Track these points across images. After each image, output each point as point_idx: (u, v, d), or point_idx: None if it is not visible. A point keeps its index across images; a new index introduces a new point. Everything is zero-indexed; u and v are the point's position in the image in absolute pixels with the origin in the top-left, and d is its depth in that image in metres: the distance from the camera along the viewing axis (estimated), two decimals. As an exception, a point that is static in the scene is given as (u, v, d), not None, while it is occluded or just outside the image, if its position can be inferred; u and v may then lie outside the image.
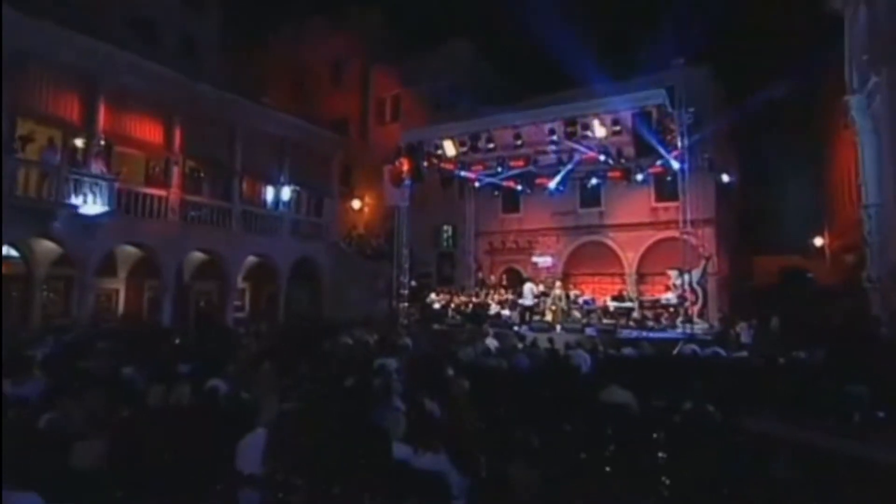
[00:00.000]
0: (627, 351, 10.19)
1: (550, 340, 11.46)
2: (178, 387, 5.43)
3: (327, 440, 4.43)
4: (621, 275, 18.87)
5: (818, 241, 20.47)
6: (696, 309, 13.08)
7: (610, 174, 17.70)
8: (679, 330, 13.05)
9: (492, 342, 11.54)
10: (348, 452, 4.02)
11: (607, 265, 19.29)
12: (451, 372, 7.63)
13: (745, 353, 9.53)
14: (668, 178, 16.91)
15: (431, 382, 7.14)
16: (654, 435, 5.45)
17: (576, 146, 14.02)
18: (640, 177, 17.10)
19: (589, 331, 14.34)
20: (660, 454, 4.89)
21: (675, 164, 16.08)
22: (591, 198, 19.33)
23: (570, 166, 16.81)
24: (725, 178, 17.10)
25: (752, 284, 19.68)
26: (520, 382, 7.70)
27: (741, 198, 20.01)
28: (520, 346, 10.49)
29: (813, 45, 16.29)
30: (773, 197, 23.38)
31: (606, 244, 19.31)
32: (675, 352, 9.90)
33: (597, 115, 13.26)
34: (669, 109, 12.53)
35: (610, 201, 19.07)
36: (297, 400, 5.65)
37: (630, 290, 17.30)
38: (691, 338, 11.05)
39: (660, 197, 18.18)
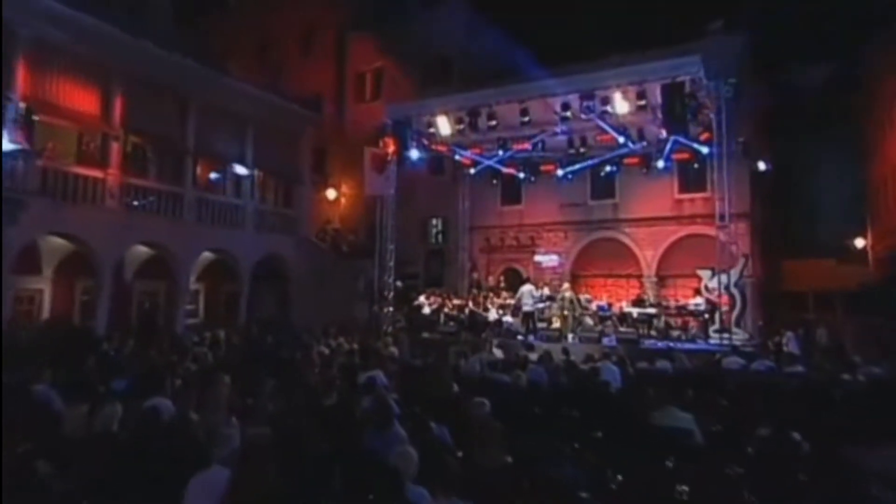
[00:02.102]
0: (661, 364, 9.60)
1: (565, 351, 10.82)
2: (105, 408, 4.59)
3: (311, 480, 3.65)
4: (638, 277, 18.36)
5: (859, 243, 20.16)
6: (732, 316, 12.53)
7: (627, 160, 17.23)
8: (713, 340, 12.51)
9: (498, 353, 10.93)
10: (344, 497, 3.25)
11: (622, 265, 18.77)
12: (455, 388, 6.95)
13: (799, 368, 8.95)
14: (695, 166, 16.53)
15: (435, 402, 6.45)
16: (728, 470, 4.76)
17: (600, 121, 13.36)
18: (661, 164, 16.66)
19: (606, 340, 13.82)
20: (746, 496, 4.19)
21: (704, 149, 15.67)
22: (604, 188, 18.81)
23: (594, 161, 16.34)
24: (762, 165, 16.67)
25: (786, 289, 19.30)
26: (540, 402, 7.01)
27: (773, 191, 19.62)
28: (533, 357, 9.79)
29: (863, 17, 15.94)
30: (804, 192, 23.12)
31: (621, 241, 18.79)
32: (718, 365, 9.27)
33: (619, 87, 12.72)
34: (705, 81, 11.97)
35: (626, 192, 18.56)
36: (264, 424, 4.86)
37: (649, 293, 16.75)
38: (734, 349, 10.45)
39: (684, 187, 17.74)
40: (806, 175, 22.88)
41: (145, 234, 15.15)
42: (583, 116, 13.28)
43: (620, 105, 12.89)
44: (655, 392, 7.83)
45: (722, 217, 12.69)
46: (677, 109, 11.93)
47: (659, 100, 12.96)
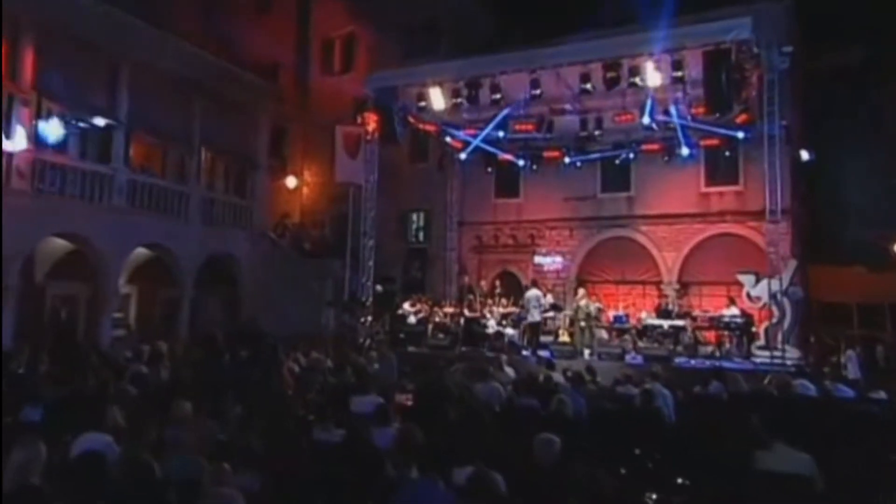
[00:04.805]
0: (714, 387, 9.04)
1: (591, 371, 10.14)
2: (20, 449, 3.60)
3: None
4: (657, 283, 17.91)
5: (900, 248, 20.09)
6: (781, 330, 12.06)
7: (645, 146, 16.81)
8: (761, 359, 12.07)
9: (510, 372, 10.24)
10: None
11: (637, 269, 18.31)
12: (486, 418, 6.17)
13: (882, 395, 8.44)
14: (726, 154, 16.19)
15: (461, 436, 5.66)
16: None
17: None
18: (685, 150, 16.26)
19: (629, 357, 13.28)
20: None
21: (740, 134, 15.31)
22: (617, 178, 18.39)
23: (609, 148, 16.23)
24: (805, 154, 16.40)
25: (819, 299, 19.10)
26: (589, 435, 6.27)
27: (808, 184, 19.46)
28: (558, 378, 9.10)
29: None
30: (832, 186, 23.10)
31: (637, 241, 18.35)
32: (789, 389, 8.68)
33: (651, 55, 12.15)
34: (755, 49, 11.50)
35: (643, 183, 18.14)
36: (249, 468, 3.98)
37: (672, 302, 16.28)
38: (800, 370, 9.94)
39: (712, 178, 17.41)
40: (834, 167, 22.83)
41: (62, 224, 14.23)
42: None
43: (652, 76, 12.35)
44: (710, 421, 7.28)
45: (773, 212, 12.29)
46: (722, 82, 11.40)
47: (692, 72, 12.51)
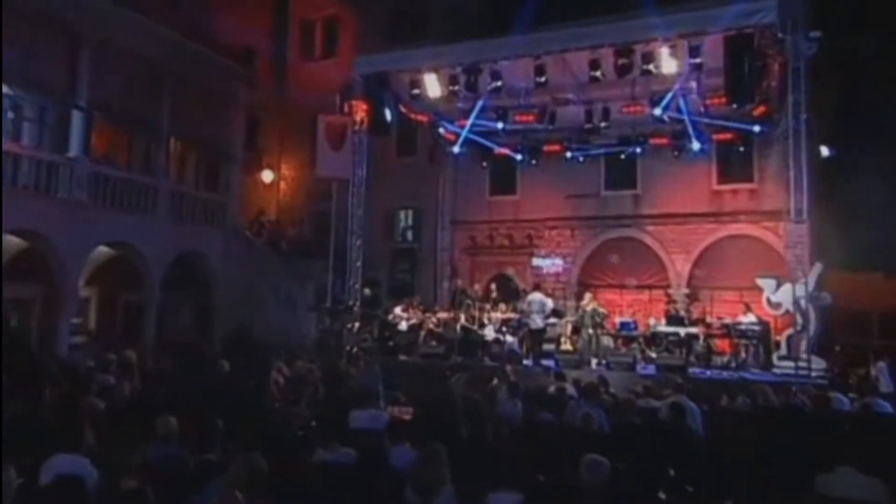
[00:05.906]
0: (741, 401, 8.92)
1: (604, 382, 9.95)
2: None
3: None
4: (664, 287, 17.76)
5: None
6: (805, 339, 11.92)
7: (653, 140, 16.72)
8: (784, 370, 12.01)
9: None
10: None
11: (644, 272, 18.15)
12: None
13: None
14: (741, 149, 16.18)
15: (474, 454, 5.40)
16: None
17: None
18: (696, 145, 16.20)
19: (640, 368, 13.15)
20: None
21: (756, 128, 15.28)
22: (622, 175, 18.25)
23: (614, 141, 16.20)
24: (825, 151, 16.40)
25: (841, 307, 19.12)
26: (618, 454, 6.03)
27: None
28: (571, 390, 8.90)
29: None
30: (846, 187, 23.15)
31: (643, 242, 18.22)
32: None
33: (666, 40, 12.05)
34: (779, 34, 11.42)
35: (650, 180, 17.99)
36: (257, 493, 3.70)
37: (683, 308, 16.14)
38: (830, 383, 9.84)
39: (725, 175, 17.35)
40: (849, 165, 22.85)
41: (15, 220, 13.62)
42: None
43: (668, 63, 12.25)
44: (746, 438, 7.11)
45: (797, 212, 12.23)
46: (745, 70, 11.31)
47: (708, 59, 12.42)
